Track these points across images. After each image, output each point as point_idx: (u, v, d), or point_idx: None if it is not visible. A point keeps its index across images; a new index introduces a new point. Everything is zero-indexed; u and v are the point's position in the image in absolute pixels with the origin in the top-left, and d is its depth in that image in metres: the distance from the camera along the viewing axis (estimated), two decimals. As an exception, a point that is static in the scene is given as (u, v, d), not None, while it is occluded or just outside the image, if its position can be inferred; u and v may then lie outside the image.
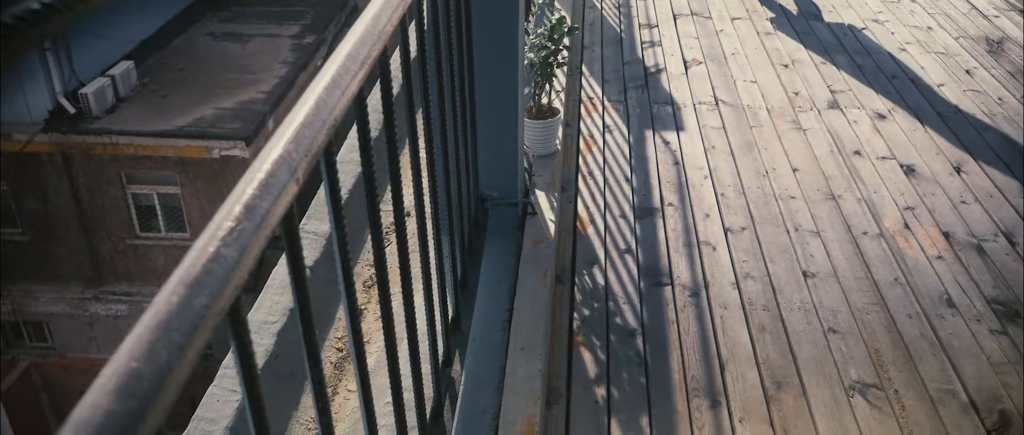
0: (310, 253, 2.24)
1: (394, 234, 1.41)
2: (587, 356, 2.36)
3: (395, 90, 1.25)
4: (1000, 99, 4.04)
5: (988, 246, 2.89)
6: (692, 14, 5.20)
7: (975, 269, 2.76)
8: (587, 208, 3.10)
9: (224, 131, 9.83)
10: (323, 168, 0.89)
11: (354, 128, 1.16)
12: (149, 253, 10.62)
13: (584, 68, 4.37)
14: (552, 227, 2.57)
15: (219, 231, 0.60)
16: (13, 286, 10.50)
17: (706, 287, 2.66)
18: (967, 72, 4.34)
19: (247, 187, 0.66)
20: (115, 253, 10.61)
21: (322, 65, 0.87)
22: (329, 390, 2.08)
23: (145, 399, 0.48)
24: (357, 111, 1.05)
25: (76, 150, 9.90)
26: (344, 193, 2.43)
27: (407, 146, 1.51)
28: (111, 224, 10.41)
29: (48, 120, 9.83)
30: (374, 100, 1.70)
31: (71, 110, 9.85)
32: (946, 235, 2.95)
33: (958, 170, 3.39)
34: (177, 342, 0.52)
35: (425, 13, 1.54)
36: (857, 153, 3.53)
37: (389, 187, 1.35)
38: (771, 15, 5.15)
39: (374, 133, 1.43)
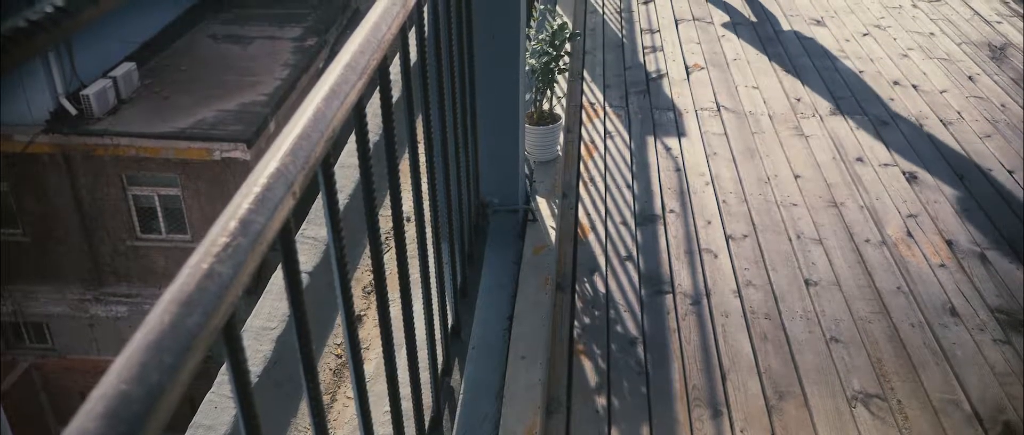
0: (309, 259, 2.23)
1: (393, 240, 1.39)
2: (588, 364, 2.35)
3: (395, 95, 1.24)
4: (1003, 105, 4.02)
5: (991, 254, 2.88)
6: (694, 19, 5.19)
7: (978, 278, 2.75)
8: (588, 215, 3.09)
9: (225, 133, 9.83)
10: (321, 180, 0.88)
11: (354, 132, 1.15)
12: (149, 254, 10.62)
13: (585, 73, 4.36)
14: (553, 234, 2.56)
15: (213, 247, 0.59)
16: (13, 287, 10.50)
17: (707, 295, 2.65)
18: (969, 78, 4.32)
19: (243, 201, 0.65)
20: (115, 254, 10.61)
21: (323, 68, 0.86)
22: (327, 397, 2.07)
23: (135, 423, 0.47)
24: (356, 120, 1.04)
25: (77, 151, 9.90)
26: (344, 198, 2.42)
27: (407, 152, 1.50)
28: (112, 225, 10.41)
29: (49, 121, 9.83)
30: (374, 105, 1.69)
31: (72, 111, 9.86)
32: (949, 243, 2.94)
33: (961, 177, 3.38)
34: (169, 363, 0.51)
35: (426, 19, 1.53)
36: (859, 160, 3.51)
37: (388, 193, 1.34)
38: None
39: (374, 138, 1.42)
